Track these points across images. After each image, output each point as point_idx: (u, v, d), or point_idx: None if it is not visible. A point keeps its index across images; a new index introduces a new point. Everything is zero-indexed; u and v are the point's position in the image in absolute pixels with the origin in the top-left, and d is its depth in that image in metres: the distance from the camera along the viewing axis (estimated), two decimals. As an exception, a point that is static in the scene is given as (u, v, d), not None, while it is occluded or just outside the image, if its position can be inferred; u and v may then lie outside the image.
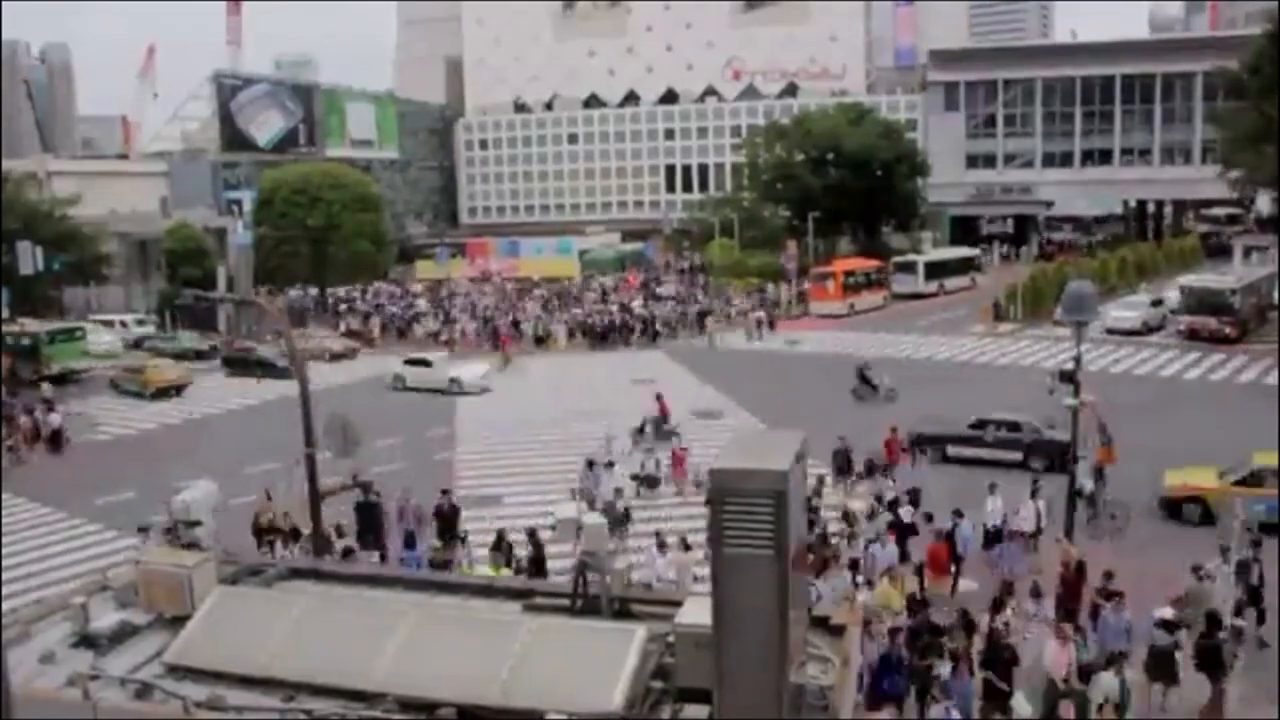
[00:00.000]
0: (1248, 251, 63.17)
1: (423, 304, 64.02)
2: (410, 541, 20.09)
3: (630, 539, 20.58)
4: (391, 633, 7.14)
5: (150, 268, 63.09)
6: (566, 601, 7.96)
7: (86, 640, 7.76)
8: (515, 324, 53.15)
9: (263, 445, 27.86)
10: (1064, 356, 37.60)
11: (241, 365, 43.78)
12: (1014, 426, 26.04)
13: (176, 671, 7.22)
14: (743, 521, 5.91)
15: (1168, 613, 14.61)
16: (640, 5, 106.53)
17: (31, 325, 48.62)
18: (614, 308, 57.03)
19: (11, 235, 44.55)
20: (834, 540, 18.62)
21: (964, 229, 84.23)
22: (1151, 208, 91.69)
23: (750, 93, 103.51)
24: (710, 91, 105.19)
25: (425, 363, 40.31)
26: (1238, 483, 20.88)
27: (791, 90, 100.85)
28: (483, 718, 6.51)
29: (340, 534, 20.53)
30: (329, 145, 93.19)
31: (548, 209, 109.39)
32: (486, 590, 8.68)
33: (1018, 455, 25.15)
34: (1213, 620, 14.09)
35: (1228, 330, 42.30)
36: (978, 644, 14.10)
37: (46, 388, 39.27)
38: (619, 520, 20.24)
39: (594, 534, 8.13)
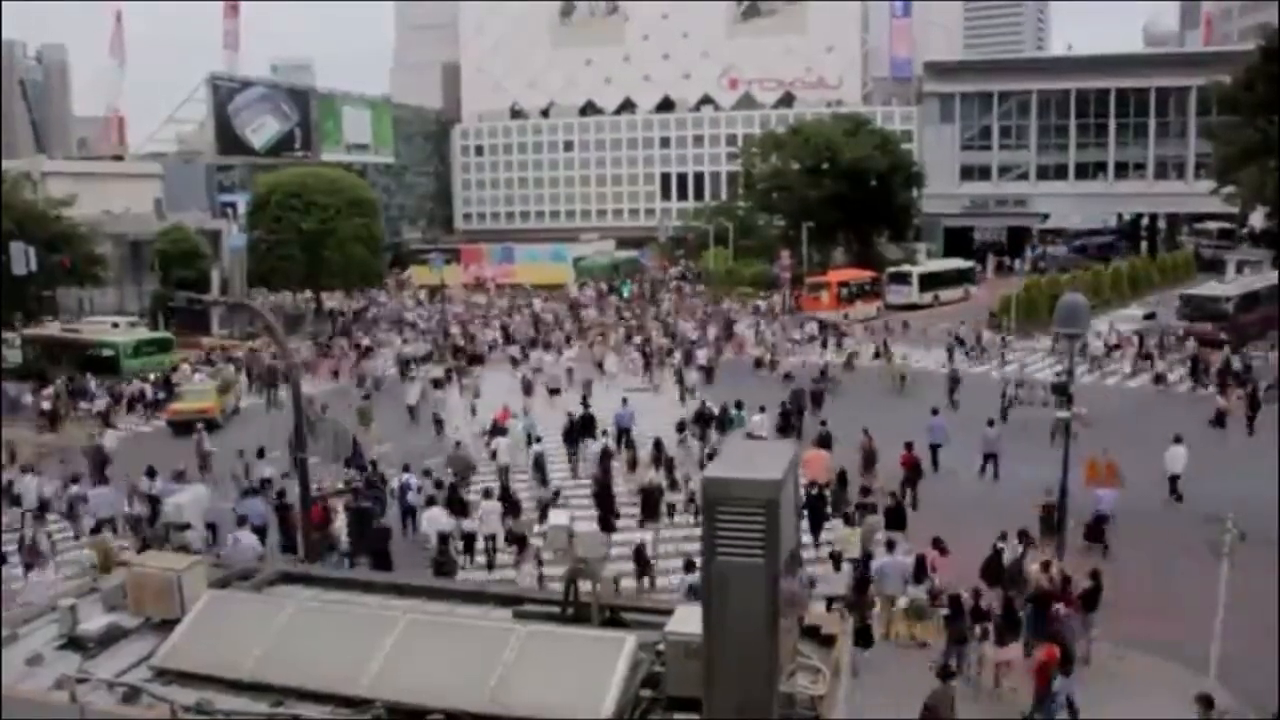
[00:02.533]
0: (1240, 266, 63.51)
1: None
2: None
3: None
4: (381, 638, 7.12)
5: (143, 269, 62.98)
6: (557, 609, 7.96)
7: (74, 643, 7.73)
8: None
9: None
10: (1055, 368, 37.92)
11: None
12: None
13: (165, 675, 7.19)
14: (734, 530, 5.91)
15: None
16: (637, 14, 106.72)
17: (113, 331, 47.14)
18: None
19: (6, 236, 44.41)
20: None
21: (957, 240, 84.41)
22: (1145, 221, 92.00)
23: (746, 102, 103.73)
24: (706, 100, 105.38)
25: None
26: None
27: (788, 100, 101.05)
28: (471, 725, 6.50)
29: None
30: (325, 149, 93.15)
31: (543, 216, 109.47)
32: (477, 597, 8.67)
33: None
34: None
35: (1223, 336, 42.97)
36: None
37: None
38: None
39: (586, 541, 8.12)
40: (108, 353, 43.33)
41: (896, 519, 20.84)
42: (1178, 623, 16.89)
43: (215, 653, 7.22)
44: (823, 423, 28.53)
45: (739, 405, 30.92)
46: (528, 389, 36.90)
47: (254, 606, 7.96)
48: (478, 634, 7.32)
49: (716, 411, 30.87)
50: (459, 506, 22.45)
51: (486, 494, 22.89)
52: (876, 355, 44.10)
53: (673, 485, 24.27)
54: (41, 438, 33.47)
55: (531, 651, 6.87)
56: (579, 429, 29.12)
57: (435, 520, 21.26)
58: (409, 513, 22.89)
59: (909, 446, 25.03)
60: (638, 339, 48.23)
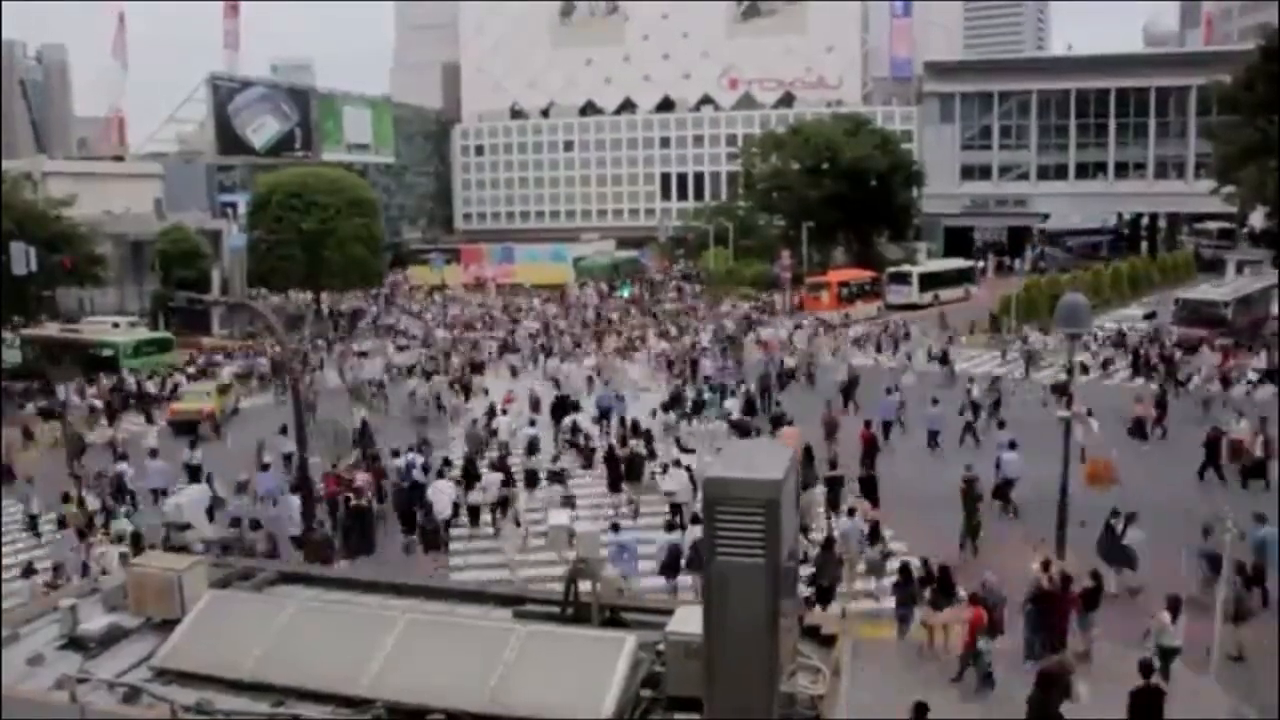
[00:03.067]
0: (1240, 266, 63.42)
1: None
2: None
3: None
4: (381, 638, 7.12)
5: (144, 269, 62.97)
6: (557, 609, 7.96)
7: (75, 643, 7.74)
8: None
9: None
10: (1055, 369, 37.93)
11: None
12: None
13: (165, 675, 7.20)
14: (734, 531, 5.91)
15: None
16: (637, 14, 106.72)
17: (112, 331, 47.46)
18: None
19: (7, 236, 44.43)
20: None
21: (957, 240, 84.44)
22: (1145, 221, 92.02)
23: (746, 102, 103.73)
24: (706, 100, 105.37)
25: None
26: None
27: (788, 100, 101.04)
28: (471, 725, 6.50)
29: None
30: (325, 149, 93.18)
31: (543, 215, 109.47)
32: (477, 596, 8.68)
33: None
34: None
35: (1219, 341, 42.34)
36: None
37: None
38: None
39: (586, 541, 8.13)
40: (107, 353, 43.37)
41: (869, 488, 23.17)
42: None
43: (215, 653, 7.23)
44: (777, 403, 32.95)
45: (714, 389, 34.54)
46: (535, 404, 33.57)
47: (254, 606, 7.97)
48: (478, 634, 7.32)
49: (692, 395, 34.29)
50: (473, 478, 24.57)
51: (491, 466, 25.20)
52: (941, 361, 41.35)
53: (651, 455, 26.35)
54: (101, 432, 34.67)
55: (531, 651, 6.88)
56: (560, 408, 32.42)
57: (441, 491, 22.89)
58: (415, 489, 23.73)
59: (867, 424, 27.76)
60: (664, 345, 45.55)
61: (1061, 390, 20.54)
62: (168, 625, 7.71)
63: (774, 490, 5.93)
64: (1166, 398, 31.95)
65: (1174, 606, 15.25)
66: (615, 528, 19.88)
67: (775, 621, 6.00)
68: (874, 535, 19.86)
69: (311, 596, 8.54)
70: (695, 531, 18.85)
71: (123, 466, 26.77)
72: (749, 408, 32.74)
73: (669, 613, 7.17)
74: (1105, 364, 41.36)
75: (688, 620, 6.61)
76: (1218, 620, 15.07)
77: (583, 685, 6.53)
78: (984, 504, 21.83)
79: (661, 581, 18.80)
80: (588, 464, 28.09)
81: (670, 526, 20.63)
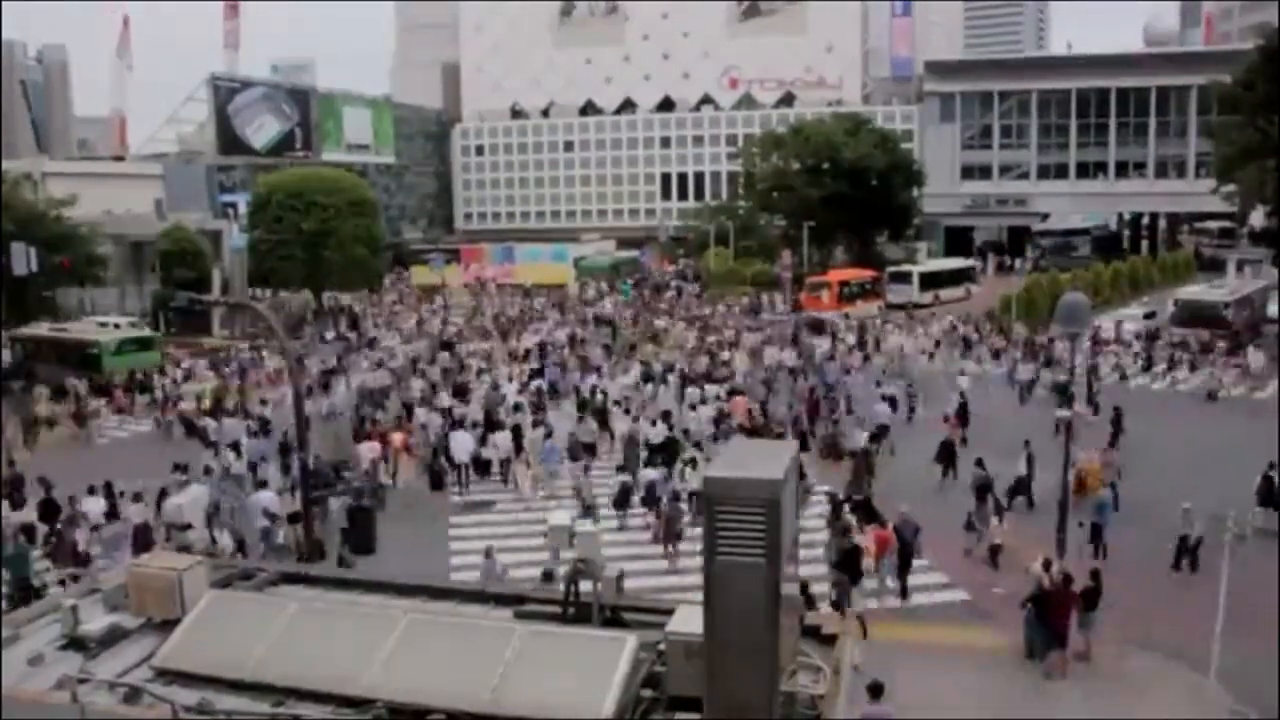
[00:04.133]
0: (1240, 265, 63.39)
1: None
2: None
3: None
4: (382, 638, 7.12)
5: (144, 270, 62.94)
6: (557, 609, 7.96)
7: (76, 643, 7.74)
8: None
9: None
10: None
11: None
12: None
13: (165, 675, 7.19)
14: (735, 530, 5.91)
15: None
16: (638, 14, 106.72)
17: (97, 330, 47.65)
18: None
19: (7, 236, 44.44)
20: None
21: (957, 240, 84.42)
22: (1145, 221, 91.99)
23: (747, 102, 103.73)
24: (706, 100, 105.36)
25: None
26: None
27: (788, 100, 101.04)
28: (472, 725, 6.50)
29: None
30: (325, 149, 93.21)
31: (543, 215, 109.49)
32: (478, 596, 8.67)
33: None
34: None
35: (1220, 343, 42.32)
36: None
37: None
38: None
39: (586, 541, 8.12)
40: (92, 351, 43.84)
41: (801, 441, 26.86)
42: (1178, 622, 16.90)
43: (216, 653, 7.22)
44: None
45: (670, 369, 38.12)
46: (573, 454, 26.82)
47: (255, 606, 7.96)
48: (478, 634, 7.32)
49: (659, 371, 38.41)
50: (491, 428, 28.86)
51: (499, 426, 28.95)
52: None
53: (626, 411, 31.87)
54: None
55: (532, 651, 6.87)
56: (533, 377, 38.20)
57: (462, 442, 26.79)
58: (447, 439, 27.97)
59: (812, 390, 32.24)
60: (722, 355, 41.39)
61: (1062, 390, 20.62)
62: (168, 625, 7.70)
63: (774, 490, 5.93)
64: (966, 411, 29.80)
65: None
66: (550, 434, 27.06)
67: (775, 621, 6.00)
68: (800, 475, 22.64)
69: (312, 596, 8.54)
70: (648, 473, 23.81)
71: (207, 421, 32.05)
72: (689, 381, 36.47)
73: (669, 612, 7.16)
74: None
75: (688, 620, 6.60)
76: (1218, 623, 15.07)
77: (583, 685, 6.52)
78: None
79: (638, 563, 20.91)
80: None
81: (620, 469, 25.44)
